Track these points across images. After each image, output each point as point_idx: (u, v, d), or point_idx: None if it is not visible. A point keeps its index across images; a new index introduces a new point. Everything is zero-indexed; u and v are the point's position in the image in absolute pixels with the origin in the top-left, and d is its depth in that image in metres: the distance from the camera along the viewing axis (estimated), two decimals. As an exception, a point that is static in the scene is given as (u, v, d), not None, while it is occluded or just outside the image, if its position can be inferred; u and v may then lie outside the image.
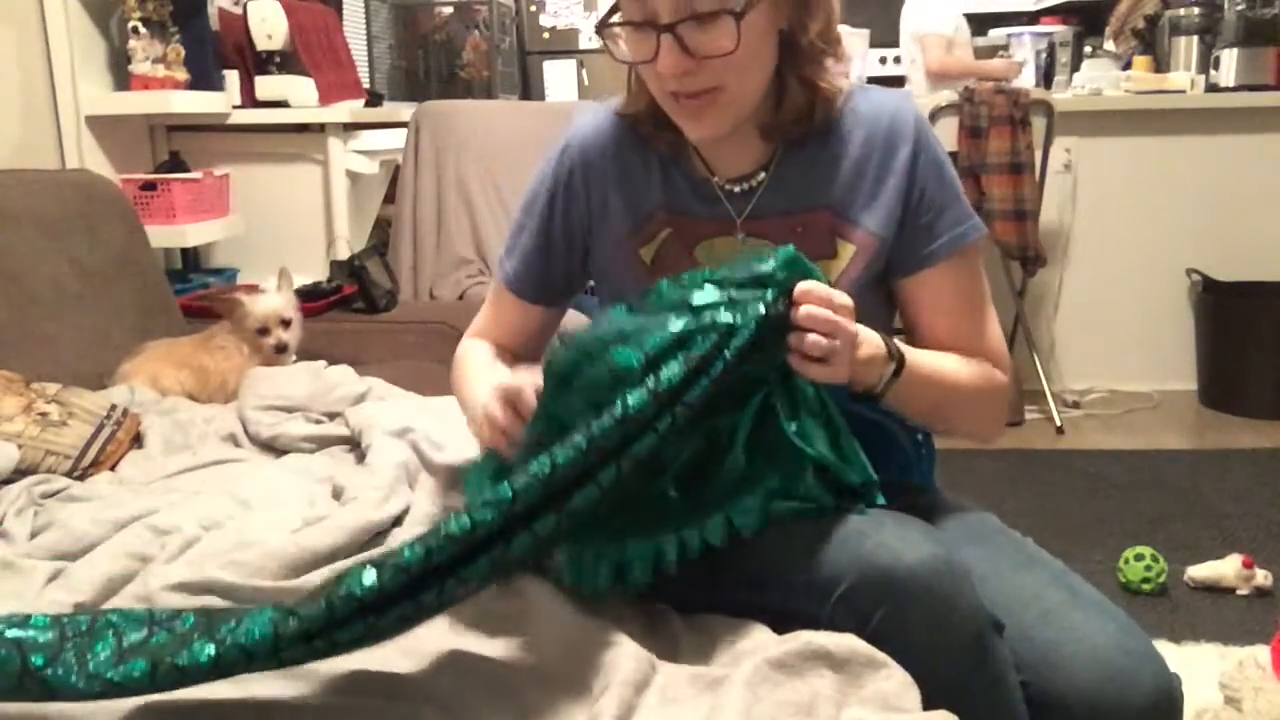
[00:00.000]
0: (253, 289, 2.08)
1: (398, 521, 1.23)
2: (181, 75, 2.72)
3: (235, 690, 0.81)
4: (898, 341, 1.00)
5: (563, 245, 1.15)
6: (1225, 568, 2.10)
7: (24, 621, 0.75)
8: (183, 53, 2.72)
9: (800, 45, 1.00)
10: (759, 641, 0.87)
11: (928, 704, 0.81)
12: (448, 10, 3.96)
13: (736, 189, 1.07)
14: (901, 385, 0.97)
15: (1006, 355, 1.10)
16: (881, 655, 0.83)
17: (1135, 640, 0.90)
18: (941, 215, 1.05)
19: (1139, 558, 2.11)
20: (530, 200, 1.16)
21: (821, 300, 0.87)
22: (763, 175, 1.07)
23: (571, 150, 1.13)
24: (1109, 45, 3.69)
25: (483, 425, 0.97)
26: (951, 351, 1.07)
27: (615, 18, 0.98)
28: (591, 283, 1.21)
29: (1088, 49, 3.80)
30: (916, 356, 1.00)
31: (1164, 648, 1.83)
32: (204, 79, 2.83)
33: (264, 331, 1.99)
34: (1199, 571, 2.11)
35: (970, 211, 1.07)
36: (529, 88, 4.35)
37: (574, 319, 1.34)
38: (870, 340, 0.94)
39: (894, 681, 0.81)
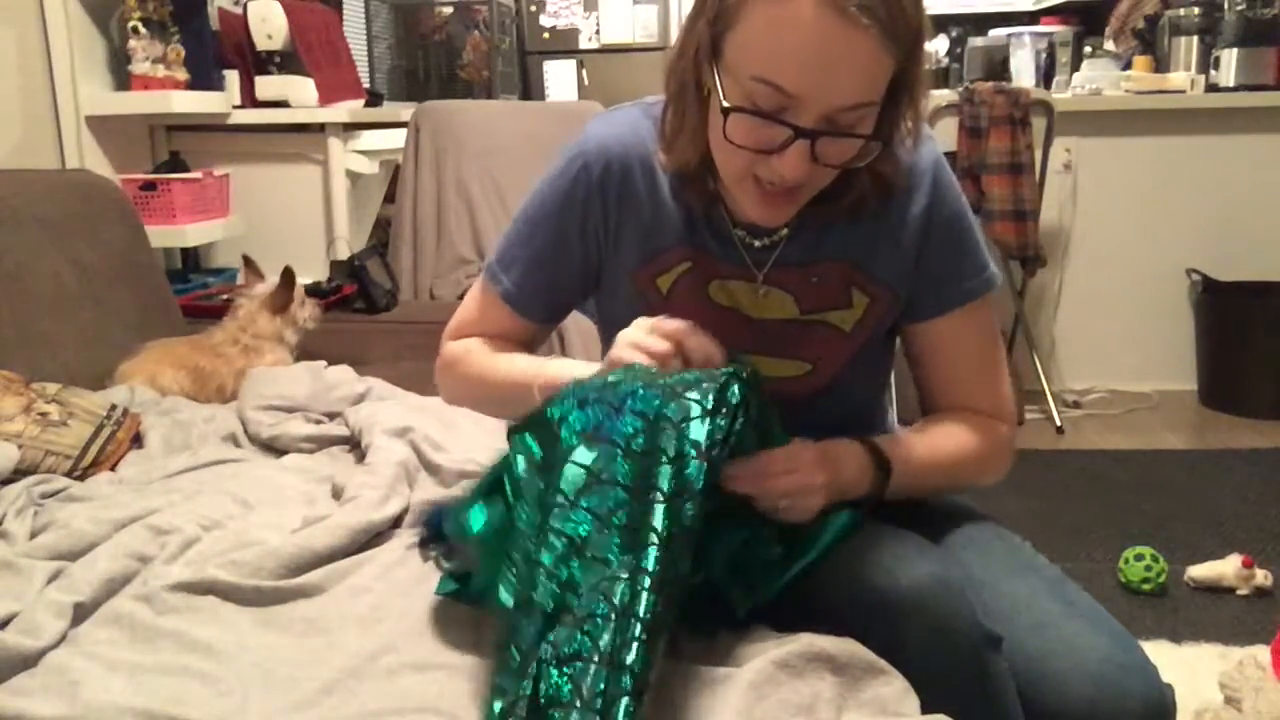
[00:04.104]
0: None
1: (397, 522, 1.23)
2: (181, 75, 2.72)
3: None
4: (886, 440, 1.00)
5: (578, 262, 1.09)
6: (1225, 568, 2.10)
7: None
8: (183, 53, 2.72)
9: (890, 141, 0.94)
10: (760, 641, 0.87)
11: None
12: (448, 10, 3.95)
13: (758, 243, 1.04)
14: (894, 483, 0.98)
15: (1011, 405, 1.09)
16: (881, 661, 0.83)
17: (1127, 653, 0.90)
18: (952, 269, 1.04)
19: (1139, 558, 2.11)
20: (538, 212, 1.08)
21: (779, 485, 0.89)
22: (785, 230, 1.03)
23: (591, 167, 1.05)
24: (1109, 45, 3.69)
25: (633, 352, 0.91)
26: (954, 401, 1.07)
27: (741, 99, 0.87)
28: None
29: (1088, 49, 3.79)
30: (909, 450, 1.00)
31: (1164, 648, 1.85)
32: (204, 79, 2.82)
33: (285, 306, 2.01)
34: (1199, 571, 2.11)
35: (984, 263, 1.06)
36: (529, 88, 4.35)
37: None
38: (849, 466, 0.96)
39: (893, 687, 0.81)
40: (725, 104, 0.88)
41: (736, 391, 0.84)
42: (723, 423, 0.82)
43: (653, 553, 0.77)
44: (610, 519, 0.79)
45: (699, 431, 0.81)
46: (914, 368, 1.11)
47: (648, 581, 0.76)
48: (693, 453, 0.80)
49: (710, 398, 0.82)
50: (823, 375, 1.06)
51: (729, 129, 0.89)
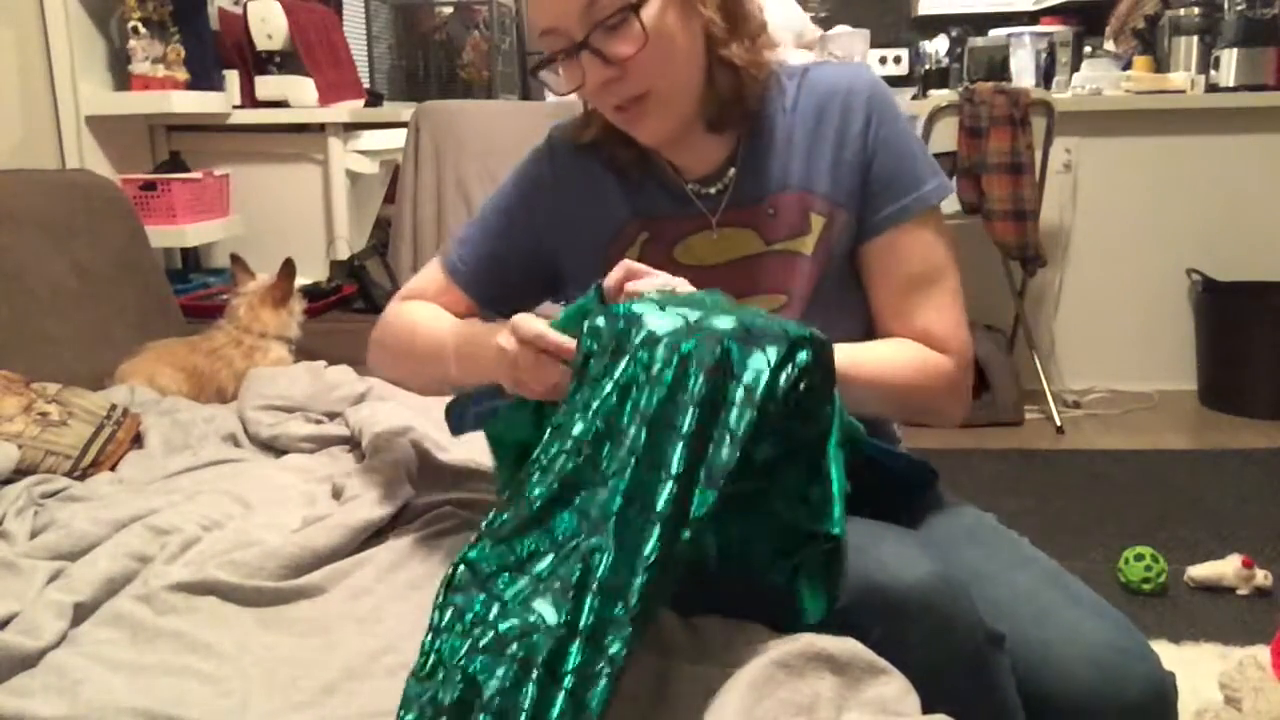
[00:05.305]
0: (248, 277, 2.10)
1: (396, 519, 1.23)
2: (181, 75, 2.72)
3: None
4: None
5: (526, 251, 1.15)
6: (1225, 568, 2.10)
7: None
8: (183, 53, 2.72)
9: (707, 30, 1.01)
10: (760, 641, 0.87)
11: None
12: (448, 10, 3.95)
13: (710, 190, 1.09)
14: None
15: (954, 338, 1.06)
16: (882, 661, 0.82)
17: (1128, 638, 0.90)
18: (894, 183, 1.06)
19: (1139, 558, 2.11)
20: (497, 201, 1.17)
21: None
22: (731, 172, 1.08)
23: (542, 164, 1.15)
24: (1109, 45, 3.69)
25: (508, 367, 0.92)
26: (893, 327, 1.07)
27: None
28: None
29: (1088, 49, 3.79)
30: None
31: (1164, 648, 1.85)
32: (204, 79, 2.83)
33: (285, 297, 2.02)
34: (1199, 571, 2.11)
35: (925, 179, 1.06)
36: (529, 88, 4.35)
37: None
38: None
39: (893, 687, 0.81)
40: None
41: (804, 356, 0.82)
42: (784, 382, 0.81)
43: (666, 490, 0.76)
44: (627, 437, 0.79)
45: (756, 380, 0.80)
46: (867, 299, 1.11)
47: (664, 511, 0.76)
48: (743, 397, 0.79)
49: (778, 354, 0.81)
50: (796, 304, 1.08)
51: (558, 86, 1.02)
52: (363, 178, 3.13)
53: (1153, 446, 3.01)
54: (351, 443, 1.53)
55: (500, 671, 0.72)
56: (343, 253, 2.87)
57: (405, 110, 3.09)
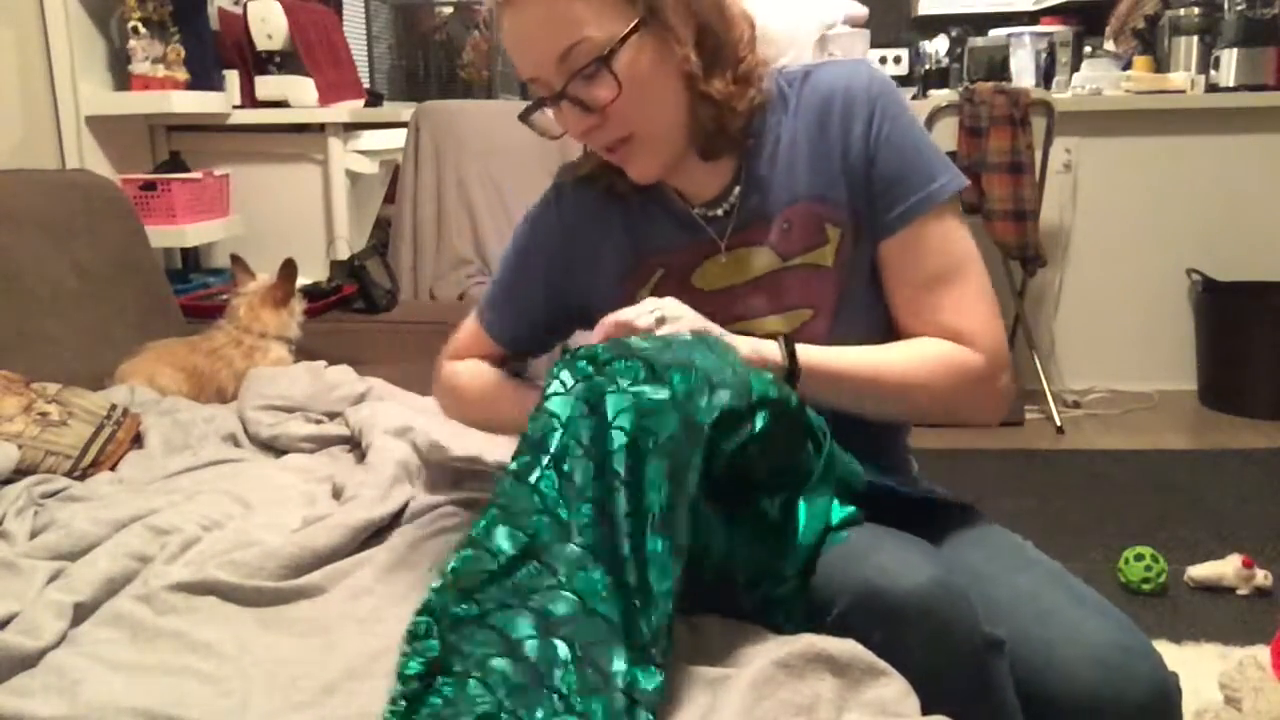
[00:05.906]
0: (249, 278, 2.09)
1: (396, 518, 1.23)
2: (181, 75, 2.72)
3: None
4: (814, 348, 1.00)
5: (542, 298, 1.17)
6: (1225, 568, 2.10)
7: None
8: (183, 53, 2.73)
9: (684, 69, 1.00)
10: (760, 641, 0.87)
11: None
12: (448, 10, 3.95)
13: (718, 212, 1.08)
14: (805, 389, 0.97)
15: (983, 333, 1.03)
16: (882, 663, 0.82)
17: (1132, 638, 0.90)
18: (901, 182, 1.03)
19: (1139, 558, 2.11)
20: (513, 249, 1.18)
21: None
22: (737, 190, 1.07)
23: (551, 208, 1.16)
24: (1109, 45, 3.69)
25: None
26: (916, 327, 1.05)
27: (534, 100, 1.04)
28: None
29: (1088, 49, 3.79)
30: (826, 359, 1.00)
31: (1164, 648, 1.82)
32: (204, 79, 2.83)
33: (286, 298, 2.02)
34: (1199, 571, 2.11)
35: (936, 174, 1.03)
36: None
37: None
38: (757, 354, 0.97)
39: (893, 688, 0.81)
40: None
41: (761, 423, 0.84)
42: (727, 447, 0.83)
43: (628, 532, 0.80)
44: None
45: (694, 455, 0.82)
46: (887, 302, 1.09)
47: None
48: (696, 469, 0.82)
49: (727, 419, 0.83)
50: (824, 317, 1.06)
51: (549, 128, 1.04)
52: (363, 178, 3.13)
53: (1153, 446, 3.01)
54: (351, 443, 1.53)
55: None
56: (343, 253, 2.87)
57: (405, 110, 3.09)
